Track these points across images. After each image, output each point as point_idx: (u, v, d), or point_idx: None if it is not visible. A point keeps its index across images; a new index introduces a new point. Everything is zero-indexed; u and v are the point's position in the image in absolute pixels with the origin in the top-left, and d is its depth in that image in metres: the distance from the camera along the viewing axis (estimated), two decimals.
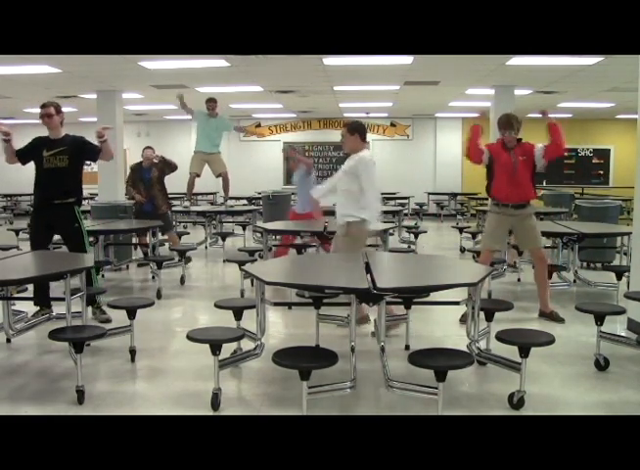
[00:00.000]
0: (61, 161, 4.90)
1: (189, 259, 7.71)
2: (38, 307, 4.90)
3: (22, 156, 5.01)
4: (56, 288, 4.83)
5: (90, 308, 4.90)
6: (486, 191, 5.43)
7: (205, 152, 8.76)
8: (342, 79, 9.27)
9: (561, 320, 5.17)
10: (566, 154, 15.35)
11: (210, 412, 3.32)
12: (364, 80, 9.36)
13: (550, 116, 5.32)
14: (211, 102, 8.69)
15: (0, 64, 7.49)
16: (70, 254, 4.90)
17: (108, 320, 4.96)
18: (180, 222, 10.73)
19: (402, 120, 15.60)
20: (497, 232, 5.31)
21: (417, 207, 14.63)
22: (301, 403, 3.06)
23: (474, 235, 8.74)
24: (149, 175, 7.87)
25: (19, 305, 4.72)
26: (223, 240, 8.64)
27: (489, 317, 4.01)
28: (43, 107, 4.96)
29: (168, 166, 7.89)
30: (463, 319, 4.97)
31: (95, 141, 4.98)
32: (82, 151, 5.03)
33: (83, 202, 12.05)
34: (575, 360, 4.19)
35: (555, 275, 5.90)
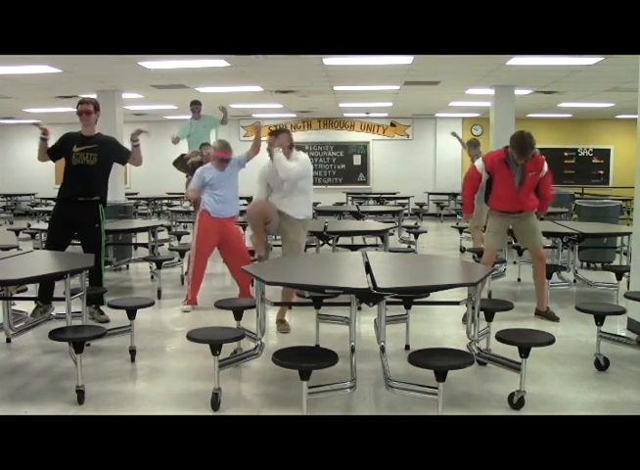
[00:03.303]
0: (90, 158, 4.92)
1: None
2: (37, 305, 4.89)
3: (54, 152, 5.06)
4: (57, 288, 4.83)
5: (87, 309, 4.90)
6: (485, 201, 5.39)
7: None
8: (343, 79, 9.27)
9: (556, 319, 5.18)
10: (566, 154, 15.43)
11: (210, 412, 3.32)
12: (364, 80, 9.36)
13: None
14: (196, 104, 8.59)
15: (0, 64, 7.49)
16: (71, 254, 4.91)
17: (106, 321, 4.95)
18: (180, 222, 10.73)
19: (402, 120, 15.59)
20: (500, 233, 5.29)
21: (417, 207, 14.64)
22: (301, 403, 3.06)
23: None
24: None
25: (19, 306, 4.72)
26: None
27: (489, 317, 4.02)
28: (82, 103, 4.99)
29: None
30: (465, 319, 4.98)
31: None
32: (113, 152, 5.06)
33: None
34: (575, 360, 4.19)
35: (555, 275, 5.90)
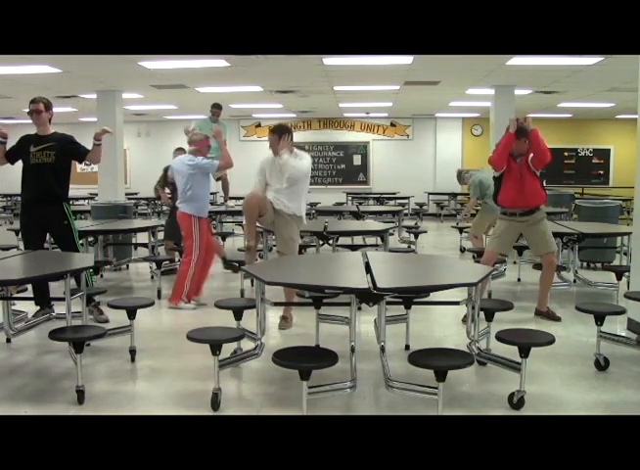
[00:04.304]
0: (47, 156, 4.87)
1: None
2: (39, 307, 4.89)
3: (11, 155, 5.01)
4: (56, 288, 4.83)
5: (87, 308, 4.89)
6: (494, 200, 5.42)
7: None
8: (342, 79, 9.27)
9: (557, 319, 5.18)
10: (566, 154, 15.42)
11: (210, 412, 3.33)
12: (364, 80, 9.36)
13: (529, 118, 5.04)
14: (217, 108, 8.70)
15: (0, 64, 7.49)
16: (71, 253, 4.90)
17: (106, 321, 4.95)
18: None
19: (402, 120, 15.60)
20: (505, 237, 5.25)
21: (417, 207, 14.64)
22: (301, 403, 3.06)
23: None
24: None
25: (19, 305, 4.72)
26: (223, 240, 8.64)
27: (489, 317, 4.02)
28: (32, 102, 4.93)
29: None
30: (465, 320, 4.98)
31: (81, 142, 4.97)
32: (69, 149, 5.01)
33: (83, 201, 12.16)
34: (575, 360, 4.19)
35: (555, 275, 5.89)
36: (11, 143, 5.02)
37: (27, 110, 4.95)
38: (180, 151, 7.47)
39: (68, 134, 5.10)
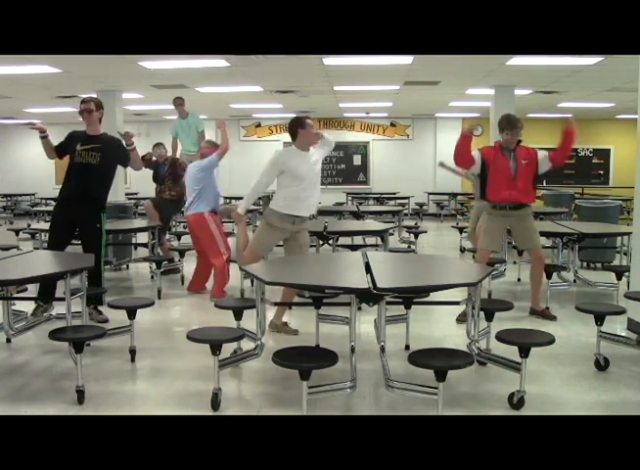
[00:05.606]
0: (92, 157, 4.90)
1: None
2: (37, 304, 4.88)
3: (60, 150, 5.07)
4: (58, 287, 4.83)
5: (86, 310, 4.88)
6: (481, 195, 5.34)
7: (190, 152, 8.72)
8: (342, 79, 9.27)
9: (553, 318, 5.19)
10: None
11: (210, 412, 3.33)
12: (364, 80, 9.36)
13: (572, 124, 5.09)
14: (178, 99, 8.81)
15: (0, 64, 7.49)
16: (71, 253, 4.91)
17: (105, 321, 4.94)
18: (180, 222, 10.73)
19: (402, 120, 15.60)
20: (495, 233, 5.26)
21: (417, 207, 14.64)
22: (301, 403, 3.06)
23: None
24: (163, 171, 7.42)
25: (19, 305, 4.72)
26: None
27: (489, 317, 4.02)
28: (83, 102, 4.98)
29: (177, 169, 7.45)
30: (460, 318, 4.98)
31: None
32: (116, 153, 5.04)
33: None
34: (575, 360, 4.19)
35: (555, 275, 5.90)
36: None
37: (78, 109, 5.00)
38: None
39: (117, 137, 5.11)
